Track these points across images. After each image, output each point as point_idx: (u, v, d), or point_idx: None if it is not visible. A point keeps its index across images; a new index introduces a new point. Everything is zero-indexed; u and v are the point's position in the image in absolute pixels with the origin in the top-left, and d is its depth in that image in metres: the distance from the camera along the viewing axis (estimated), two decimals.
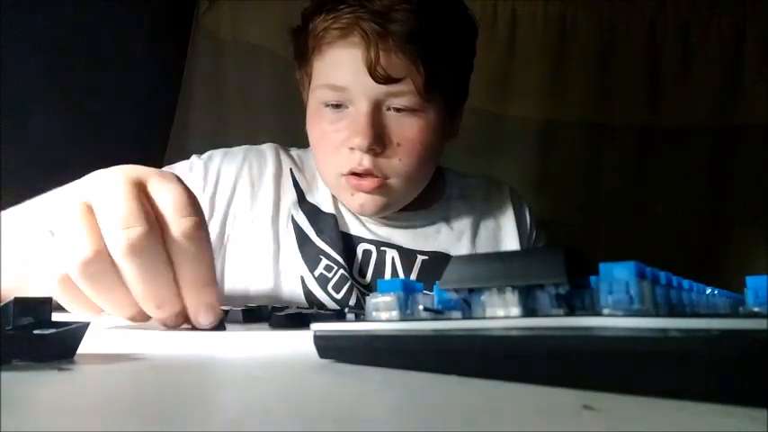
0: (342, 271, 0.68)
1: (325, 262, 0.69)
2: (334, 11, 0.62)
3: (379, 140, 0.63)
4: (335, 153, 0.65)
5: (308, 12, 0.67)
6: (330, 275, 0.68)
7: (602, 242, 1.44)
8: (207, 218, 0.67)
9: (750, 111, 1.50)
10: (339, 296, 0.67)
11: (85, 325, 0.23)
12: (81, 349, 0.23)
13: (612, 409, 0.15)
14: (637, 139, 1.54)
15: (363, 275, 0.71)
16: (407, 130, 0.64)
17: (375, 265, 0.71)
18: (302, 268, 0.69)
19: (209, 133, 1.44)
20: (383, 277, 0.70)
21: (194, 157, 0.73)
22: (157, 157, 1.36)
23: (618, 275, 0.17)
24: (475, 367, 0.19)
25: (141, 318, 0.36)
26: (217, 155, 0.73)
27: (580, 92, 1.53)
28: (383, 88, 0.62)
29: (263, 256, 0.69)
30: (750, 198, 1.47)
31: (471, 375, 0.19)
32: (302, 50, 0.68)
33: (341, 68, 0.63)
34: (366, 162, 0.64)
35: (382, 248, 0.72)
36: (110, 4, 1.18)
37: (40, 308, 0.24)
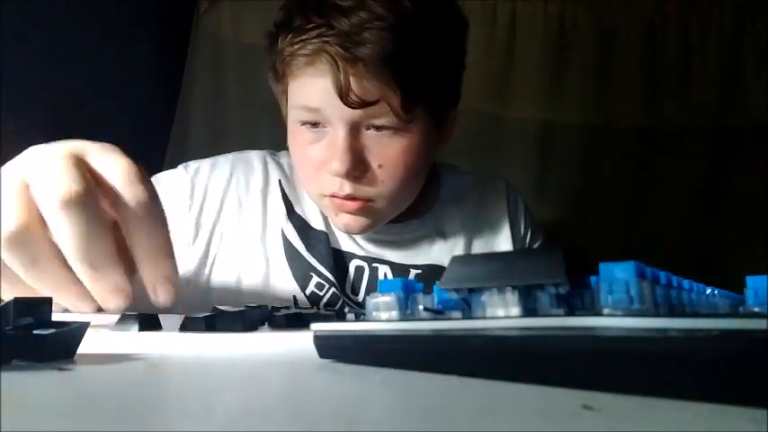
0: (333, 289, 0.67)
1: (315, 279, 0.68)
2: (300, 32, 0.57)
3: (358, 165, 0.60)
4: (316, 175, 0.63)
5: (276, 27, 0.62)
6: (321, 293, 0.67)
7: (602, 242, 1.44)
8: (191, 238, 0.67)
9: (750, 111, 1.50)
10: None
11: (85, 325, 0.23)
12: (81, 349, 0.23)
13: (612, 409, 0.15)
14: (636, 140, 1.54)
15: (356, 293, 0.70)
16: (389, 150, 0.61)
17: (368, 281, 0.70)
18: (293, 287, 0.67)
19: (209, 133, 1.44)
20: None
21: (181, 170, 0.71)
22: (158, 157, 1.36)
23: (618, 275, 0.17)
24: (475, 367, 0.19)
25: (80, 301, 0.33)
26: (204, 169, 0.71)
27: (580, 93, 1.53)
28: (359, 111, 0.58)
29: (253, 276, 0.68)
30: (750, 198, 1.47)
31: (471, 375, 0.19)
32: (275, 69, 0.64)
33: (313, 92, 0.59)
34: (347, 188, 0.61)
35: (374, 265, 0.71)
36: (110, 4, 1.18)
37: (40, 308, 0.24)
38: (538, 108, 1.53)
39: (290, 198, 0.72)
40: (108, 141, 0.35)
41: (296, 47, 0.58)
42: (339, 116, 0.59)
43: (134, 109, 1.27)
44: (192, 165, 0.72)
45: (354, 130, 0.60)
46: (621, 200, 1.53)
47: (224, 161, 0.73)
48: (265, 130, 1.38)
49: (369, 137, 0.61)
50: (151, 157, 1.34)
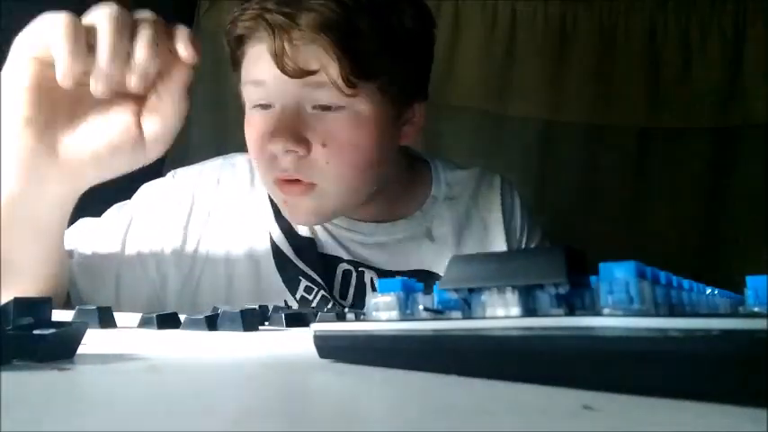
0: (322, 292, 0.67)
1: (304, 283, 0.67)
2: (244, 8, 0.59)
3: (298, 141, 0.57)
4: (262, 158, 0.61)
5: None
6: (311, 297, 0.66)
7: (602, 242, 1.44)
8: (179, 246, 0.66)
9: (750, 111, 1.50)
10: None
11: (85, 325, 0.23)
12: (81, 349, 0.23)
13: (612, 409, 0.15)
14: (636, 140, 1.54)
15: (345, 297, 0.69)
16: (332, 127, 0.58)
17: (356, 286, 0.69)
18: (283, 292, 0.66)
19: (209, 133, 1.44)
20: (364, 298, 0.65)
21: (168, 178, 0.71)
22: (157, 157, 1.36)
23: (618, 275, 0.17)
24: (475, 367, 0.19)
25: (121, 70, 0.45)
26: (191, 176, 0.70)
27: (580, 92, 1.53)
28: (299, 82, 0.56)
29: (242, 281, 0.67)
30: (750, 198, 1.47)
31: (471, 375, 0.19)
32: (231, 55, 0.64)
33: (257, 64, 0.59)
34: (287, 165, 0.58)
35: (360, 269, 0.70)
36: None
37: (40, 308, 0.24)
38: (538, 107, 1.53)
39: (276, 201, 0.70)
40: None
41: (237, 16, 0.59)
42: (281, 89, 0.58)
43: None
44: (180, 172, 0.72)
45: (294, 106, 0.58)
46: (621, 199, 1.52)
47: (211, 167, 0.72)
48: None
49: (313, 116, 0.59)
50: None
